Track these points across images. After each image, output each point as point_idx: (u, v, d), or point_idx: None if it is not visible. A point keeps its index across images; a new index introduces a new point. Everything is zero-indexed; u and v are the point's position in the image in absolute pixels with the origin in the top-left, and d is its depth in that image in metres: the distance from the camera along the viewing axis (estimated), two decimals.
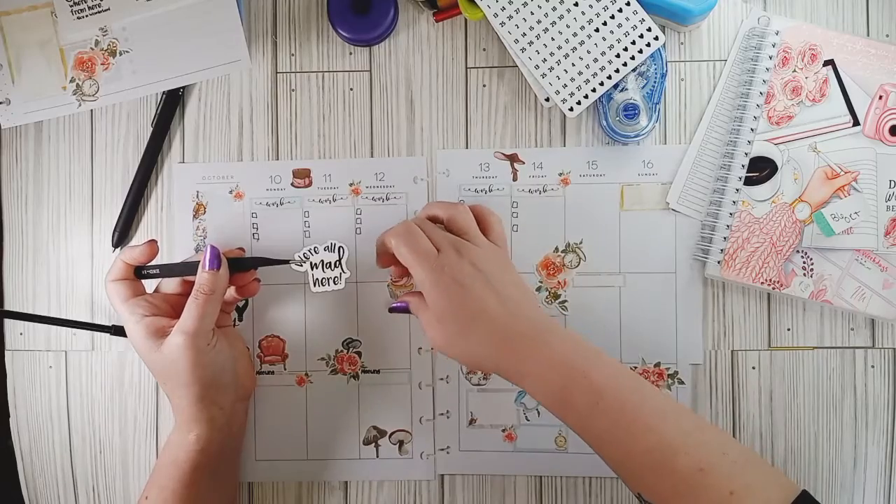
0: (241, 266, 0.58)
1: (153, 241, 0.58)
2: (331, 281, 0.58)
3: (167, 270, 0.58)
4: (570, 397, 0.50)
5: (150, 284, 0.60)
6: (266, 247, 0.64)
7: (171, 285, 0.59)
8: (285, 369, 0.64)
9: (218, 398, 0.57)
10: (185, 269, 0.58)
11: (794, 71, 0.61)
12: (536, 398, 0.52)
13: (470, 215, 0.56)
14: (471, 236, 0.55)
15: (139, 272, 0.58)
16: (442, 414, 0.63)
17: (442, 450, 0.63)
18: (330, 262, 0.58)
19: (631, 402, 0.49)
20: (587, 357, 0.51)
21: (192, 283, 0.57)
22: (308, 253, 0.57)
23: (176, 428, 0.57)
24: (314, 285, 0.58)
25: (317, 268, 0.58)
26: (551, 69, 0.60)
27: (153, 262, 0.58)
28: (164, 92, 0.64)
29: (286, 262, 0.58)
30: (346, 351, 0.64)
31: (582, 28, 0.60)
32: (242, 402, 0.60)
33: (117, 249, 0.64)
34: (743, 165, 0.61)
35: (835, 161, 0.60)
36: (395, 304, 0.58)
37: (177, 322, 0.55)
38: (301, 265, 0.58)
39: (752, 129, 0.61)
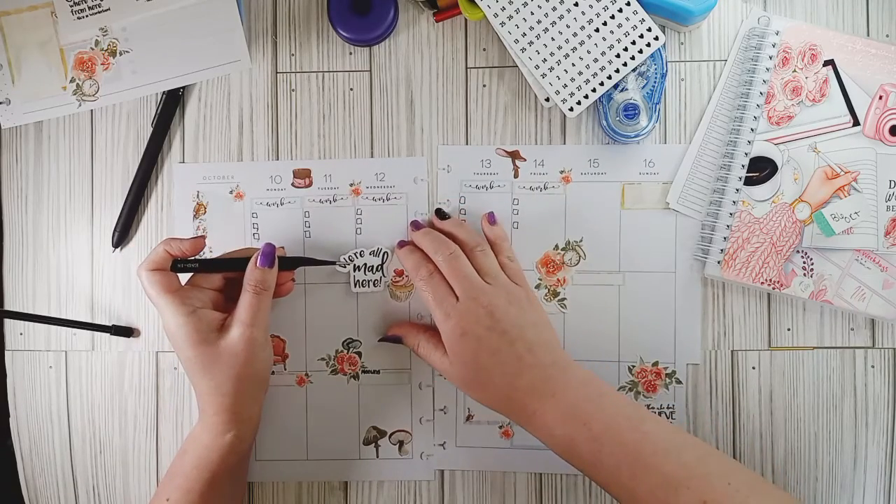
0: (287, 265, 0.59)
1: (203, 237, 0.60)
2: (371, 283, 0.62)
3: (206, 266, 0.58)
4: (574, 446, 0.52)
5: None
6: None
7: (208, 280, 0.58)
8: (285, 369, 0.64)
9: (260, 396, 0.57)
10: (226, 265, 0.58)
11: (795, 71, 0.61)
12: (546, 445, 0.54)
13: (491, 257, 0.58)
14: (491, 277, 0.57)
15: (175, 265, 0.56)
16: (440, 410, 0.63)
17: (439, 445, 0.63)
18: (372, 266, 0.61)
19: (631, 445, 0.51)
20: (589, 403, 0.53)
21: (231, 278, 0.58)
22: (353, 256, 0.61)
23: (207, 428, 0.55)
24: (354, 286, 0.62)
25: (359, 270, 0.61)
26: (551, 69, 0.60)
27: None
28: (164, 92, 0.64)
29: (332, 263, 0.61)
30: (346, 351, 0.64)
31: (582, 28, 0.60)
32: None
33: (117, 249, 0.64)
34: (743, 165, 0.61)
35: (835, 161, 0.60)
36: (387, 336, 0.62)
37: (226, 317, 0.55)
38: (345, 267, 0.61)
39: (752, 129, 0.61)
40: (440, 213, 0.62)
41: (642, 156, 0.62)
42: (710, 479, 0.49)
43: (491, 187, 0.63)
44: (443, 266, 0.57)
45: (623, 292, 0.62)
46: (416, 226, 0.61)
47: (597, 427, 0.51)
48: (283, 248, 0.62)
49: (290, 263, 0.59)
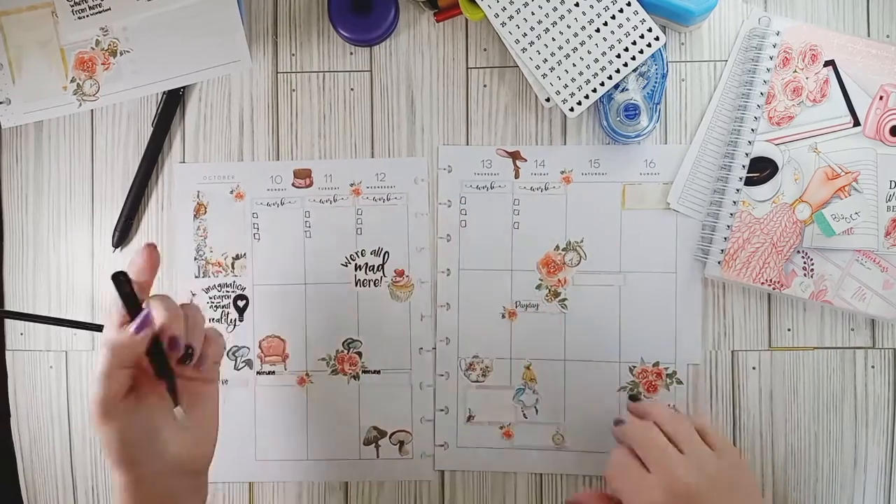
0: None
1: (151, 245, 0.48)
2: (371, 283, 0.60)
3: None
4: None
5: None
6: (267, 247, 0.64)
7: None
8: (286, 369, 0.64)
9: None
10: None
11: (795, 71, 0.61)
12: None
13: (685, 424, 0.54)
14: (685, 445, 0.53)
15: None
16: (441, 410, 0.63)
17: (440, 446, 0.63)
18: (372, 266, 0.62)
19: None
20: None
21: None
22: (354, 255, 0.61)
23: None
24: (355, 286, 0.60)
25: (360, 270, 0.62)
26: (552, 69, 0.60)
27: None
28: (164, 92, 0.64)
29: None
30: (346, 351, 0.64)
31: (583, 28, 0.60)
32: (185, 476, 0.50)
33: (118, 249, 0.64)
34: (743, 166, 0.61)
35: (835, 161, 0.60)
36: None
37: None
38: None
39: (752, 130, 0.61)
40: (633, 398, 0.62)
41: (643, 156, 0.62)
42: None
43: (492, 188, 0.63)
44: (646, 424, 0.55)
45: (624, 292, 0.62)
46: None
47: None
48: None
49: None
